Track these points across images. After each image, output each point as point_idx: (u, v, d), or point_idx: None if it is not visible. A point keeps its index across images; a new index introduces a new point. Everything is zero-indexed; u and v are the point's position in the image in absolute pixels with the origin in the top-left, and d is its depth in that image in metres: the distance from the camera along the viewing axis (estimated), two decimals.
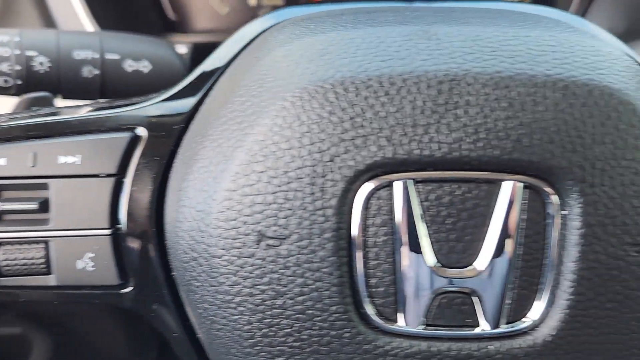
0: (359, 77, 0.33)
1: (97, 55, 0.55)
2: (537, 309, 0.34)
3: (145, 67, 0.57)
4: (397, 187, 0.33)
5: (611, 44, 0.37)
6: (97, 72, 0.55)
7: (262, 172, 0.33)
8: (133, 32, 0.61)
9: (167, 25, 0.89)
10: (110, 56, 0.56)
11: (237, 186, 0.33)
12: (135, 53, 0.56)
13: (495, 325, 0.34)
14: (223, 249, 0.34)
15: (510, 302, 0.34)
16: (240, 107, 0.35)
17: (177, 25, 0.90)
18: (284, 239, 0.33)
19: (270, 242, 0.33)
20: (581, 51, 0.35)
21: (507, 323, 0.34)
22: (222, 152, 0.34)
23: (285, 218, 0.33)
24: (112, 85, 0.56)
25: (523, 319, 0.34)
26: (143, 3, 0.86)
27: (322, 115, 0.33)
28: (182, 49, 0.74)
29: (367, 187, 0.33)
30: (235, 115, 0.35)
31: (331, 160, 0.33)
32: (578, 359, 0.34)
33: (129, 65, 0.56)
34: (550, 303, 0.34)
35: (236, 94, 0.36)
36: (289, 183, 0.33)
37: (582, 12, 0.90)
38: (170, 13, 0.90)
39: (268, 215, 0.33)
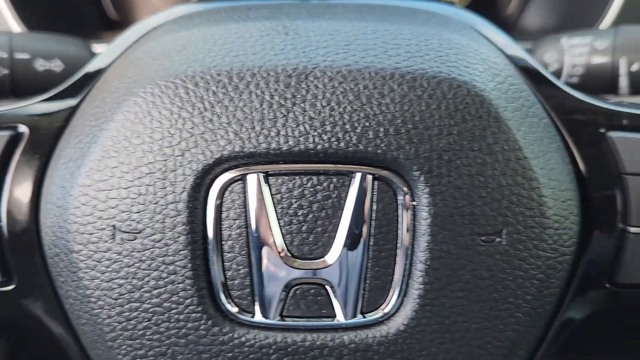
0: (209, 73, 0.33)
1: (5, 55, 0.55)
2: (391, 299, 0.34)
3: (57, 66, 0.57)
4: (250, 180, 0.33)
5: (474, 38, 0.38)
6: (6, 71, 0.55)
7: (115, 167, 0.33)
8: (70, 32, 0.61)
9: (108, 25, 0.89)
10: (20, 55, 0.56)
11: (91, 181, 0.34)
12: (46, 52, 0.56)
13: (351, 316, 0.34)
14: (80, 244, 0.34)
15: (365, 292, 0.34)
16: (100, 104, 0.35)
17: (119, 24, 0.90)
18: (138, 233, 0.33)
19: (125, 236, 0.34)
20: (437, 44, 0.35)
21: (363, 313, 0.34)
22: (81, 148, 0.35)
23: (138, 212, 0.33)
24: (24, 85, 0.56)
25: (378, 310, 0.34)
26: (81, 2, 0.86)
27: (173, 110, 0.33)
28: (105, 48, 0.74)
29: (220, 180, 0.33)
30: (96, 111, 0.35)
31: (181, 155, 0.33)
32: (431, 347, 0.34)
33: (40, 65, 0.56)
34: (404, 293, 0.34)
35: (101, 90, 0.37)
36: (140, 178, 0.33)
37: (520, 10, 0.91)
38: (111, 12, 0.90)
39: (122, 210, 0.33)
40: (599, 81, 0.59)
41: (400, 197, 0.34)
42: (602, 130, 0.40)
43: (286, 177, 0.33)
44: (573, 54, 0.59)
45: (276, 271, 0.34)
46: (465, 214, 0.33)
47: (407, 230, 0.34)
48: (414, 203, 0.33)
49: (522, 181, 0.34)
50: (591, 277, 0.40)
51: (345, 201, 0.33)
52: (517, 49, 0.43)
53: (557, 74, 0.59)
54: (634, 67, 0.57)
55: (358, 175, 0.33)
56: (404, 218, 0.34)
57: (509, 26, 0.94)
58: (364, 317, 0.34)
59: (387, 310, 0.34)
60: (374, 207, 0.34)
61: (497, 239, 0.34)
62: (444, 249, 0.33)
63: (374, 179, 0.34)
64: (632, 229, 0.40)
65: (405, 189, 0.33)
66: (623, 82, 0.58)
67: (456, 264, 0.33)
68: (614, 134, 0.40)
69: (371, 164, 0.33)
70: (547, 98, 0.41)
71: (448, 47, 0.35)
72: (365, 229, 0.34)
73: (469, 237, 0.33)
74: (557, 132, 0.40)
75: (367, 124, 0.33)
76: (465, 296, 0.34)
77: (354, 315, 0.34)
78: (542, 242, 0.34)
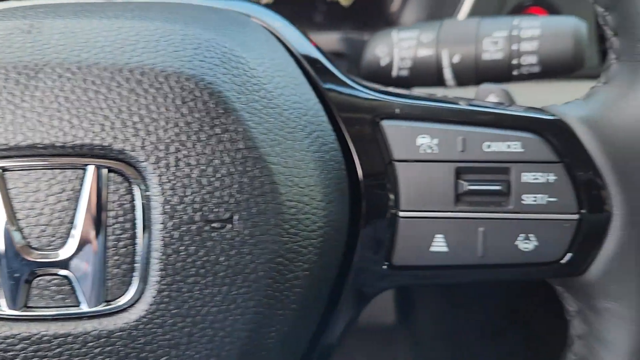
0: None
1: None
2: (134, 287, 0.35)
3: None
4: None
5: (228, 34, 0.39)
6: None
7: None
8: None
9: None
10: None
11: None
12: None
13: (95, 304, 0.35)
14: None
15: (108, 281, 0.35)
16: None
17: None
18: None
19: None
20: (178, 40, 0.37)
21: (107, 301, 0.36)
22: None
23: None
24: None
25: (121, 297, 0.36)
26: None
27: None
28: None
29: None
30: None
31: None
32: (172, 331, 0.35)
33: None
34: (145, 281, 0.35)
35: None
36: None
37: (401, 7, 0.94)
38: None
39: None
40: (427, 74, 0.61)
41: (135, 188, 0.35)
42: (376, 120, 0.42)
43: (22, 172, 0.35)
44: (401, 47, 0.61)
45: (16, 264, 0.35)
46: (195, 201, 0.35)
47: (144, 220, 0.35)
48: (148, 193, 0.35)
49: (251, 169, 0.35)
50: (369, 260, 0.42)
51: (80, 193, 0.35)
52: (302, 43, 0.45)
53: (389, 67, 0.61)
54: (455, 59, 0.59)
55: (91, 168, 0.35)
56: (140, 208, 0.35)
57: (392, 22, 0.96)
58: (108, 304, 0.36)
59: (129, 297, 0.35)
60: (111, 198, 0.35)
61: (229, 225, 0.35)
62: (176, 236, 0.35)
63: (110, 171, 0.35)
64: (402, 214, 0.41)
65: (138, 180, 0.35)
66: (447, 74, 0.60)
67: (190, 250, 0.35)
68: (385, 123, 0.42)
69: (103, 156, 0.34)
70: (328, 90, 0.42)
71: (188, 42, 0.37)
72: (103, 220, 0.35)
73: (201, 223, 0.35)
74: (331, 122, 0.41)
75: (93, 118, 0.34)
76: (201, 281, 0.35)
77: (98, 304, 0.35)
78: (277, 227, 0.36)
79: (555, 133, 0.41)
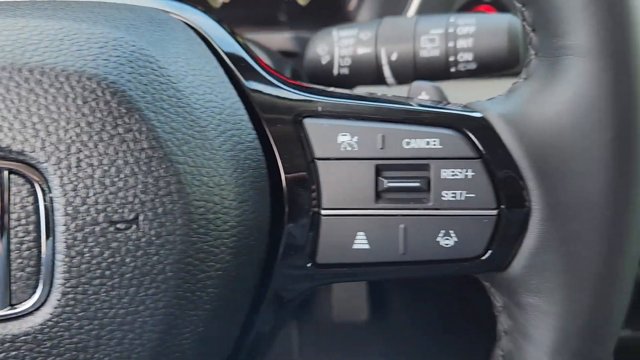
0: None
1: None
2: (39, 290, 0.35)
3: None
4: None
5: (140, 33, 0.39)
6: None
7: None
8: None
9: None
10: None
11: None
12: None
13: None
14: None
15: (13, 285, 0.35)
16: None
17: None
18: None
19: None
20: (83, 40, 0.36)
21: (12, 305, 0.35)
22: None
23: None
24: None
25: (26, 301, 0.35)
26: None
27: None
28: None
29: None
30: None
31: None
32: (80, 334, 0.35)
33: None
34: (50, 284, 0.35)
35: None
36: None
37: (359, 6, 0.94)
38: None
39: None
40: (367, 72, 0.61)
41: (38, 189, 0.34)
42: (299, 118, 0.42)
43: None
44: (341, 45, 0.61)
45: None
46: (99, 202, 0.34)
47: (47, 222, 0.34)
48: (50, 195, 0.34)
49: (156, 168, 0.35)
50: (294, 259, 0.42)
51: None
52: (227, 41, 0.44)
53: (330, 65, 0.61)
54: (393, 57, 0.59)
55: None
56: (42, 210, 0.34)
57: (349, 21, 0.96)
58: (13, 308, 0.35)
59: (34, 301, 0.35)
60: (13, 200, 0.34)
61: (134, 226, 0.35)
62: (79, 238, 0.34)
63: (11, 172, 0.34)
64: (324, 212, 0.41)
65: (40, 181, 0.34)
66: (387, 72, 0.60)
67: (94, 252, 0.34)
68: (307, 121, 0.42)
69: (3, 158, 0.34)
70: (252, 89, 0.42)
71: (94, 41, 0.36)
72: (5, 223, 0.34)
73: (105, 225, 0.34)
74: (254, 121, 0.41)
75: None
76: (107, 283, 0.35)
77: (2, 308, 0.35)
78: (185, 227, 0.35)
79: (474, 129, 0.41)
